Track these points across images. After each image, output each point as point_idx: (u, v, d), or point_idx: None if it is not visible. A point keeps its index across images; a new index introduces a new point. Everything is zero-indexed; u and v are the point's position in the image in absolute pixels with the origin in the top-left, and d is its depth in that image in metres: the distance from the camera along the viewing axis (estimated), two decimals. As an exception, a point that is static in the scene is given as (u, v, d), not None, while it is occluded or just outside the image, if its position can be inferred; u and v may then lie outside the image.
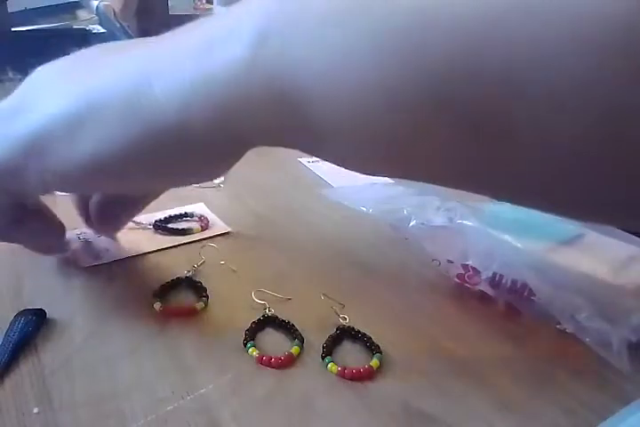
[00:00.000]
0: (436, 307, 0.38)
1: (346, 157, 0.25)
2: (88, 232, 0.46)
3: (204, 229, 0.47)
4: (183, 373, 0.32)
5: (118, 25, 2.36)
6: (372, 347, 0.33)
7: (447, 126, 0.20)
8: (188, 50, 0.25)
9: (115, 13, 2.33)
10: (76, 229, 0.47)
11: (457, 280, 0.40)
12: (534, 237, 0.37)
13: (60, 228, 0.39)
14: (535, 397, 0.31)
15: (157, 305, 0.37)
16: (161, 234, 0.46)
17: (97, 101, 0.26)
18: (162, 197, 0.53)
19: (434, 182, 0.24)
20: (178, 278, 0.40)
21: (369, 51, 0.20)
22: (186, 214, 0.49)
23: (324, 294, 0.38)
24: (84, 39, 1.03)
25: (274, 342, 0.34)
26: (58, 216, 0.40)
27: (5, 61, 0.86)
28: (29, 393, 0.30)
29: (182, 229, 0.46)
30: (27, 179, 0.29)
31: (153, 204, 0.51)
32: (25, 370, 0.32)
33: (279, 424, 0.29)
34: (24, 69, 0.90)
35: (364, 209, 0.47)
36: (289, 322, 0.35)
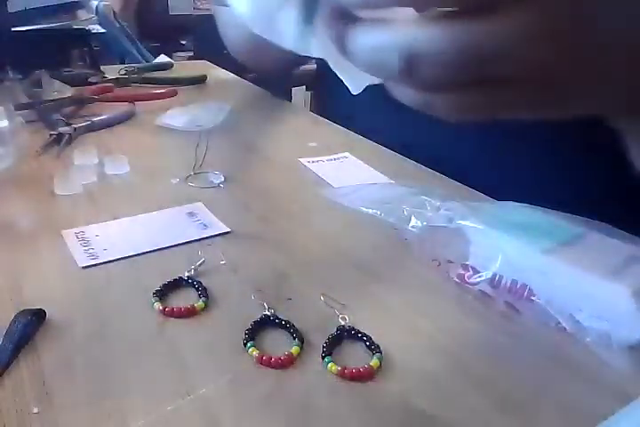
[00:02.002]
0: (436, 307, 0.38)
1: None
2: (87, 232, 0.46)
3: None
4: (183, 373, 0.32)
5: (118, 25, 2.37)
6: (371, 347, 0.33)
7: None
8: None
9: (114, 13, 2.33)
10: (75, 229, 0.47)
11: (457, 280, 0.40)
12: (534, 237, 0.37)
13: None
14: (535, 397, 0.31)
15: (157, 305, 0.37)
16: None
17: None
18: (160, 196, 0.53)
19: None
20: (178, 278, 0.40)
21: None
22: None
23: (323, 294, 0.38)
24: (83, 39, 1.03)
25: (274, 342, 0.34)
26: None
27: (5, 61, 0.86)
28: (29, 393, 0.30)
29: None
30: None
31: (151, 204, 0.51)
32: (25, 370, 0.32)
33: (279, 424, 0.29)
34: (24, 69, 0.90)
35: (364, 209, 0.47)
36: (289, 322, 0.35)
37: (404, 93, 0.26)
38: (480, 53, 0.23)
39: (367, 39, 0.25)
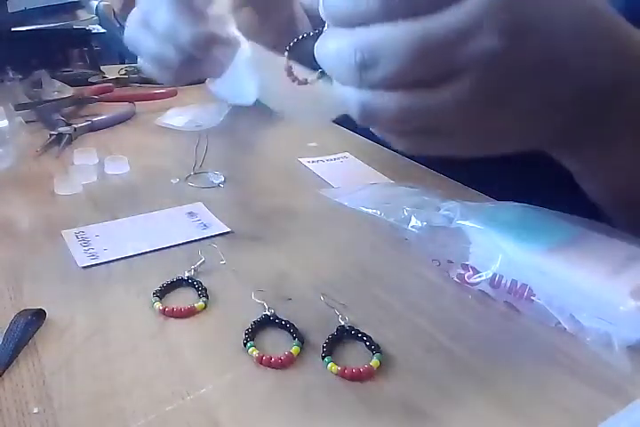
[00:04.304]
0: (436, 307, 0.38)
1: None
2: (87, 232, 0.46)
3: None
4: (183, 373, 0.32)
5: (118, 25, 2.36)
6: (371, 347, 0.33)
7: None
8: None
9: (114, 13, 2.33)
10: (75, 229, 0.47)
11: (457, 280, 0.40)
12: (534, 237, 0.37)
13: None
14: (535, 397, 0.31)
15: (157, 305, 0.37)
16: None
17: None
18: (160, 196, 0.53)
19: None
20: (178, 278, 0.40)
21: None
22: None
23: (323, 294, 0.38)
24: (83, 39, 1.03)
25: (274, 342, 0.34)
26: None
27: (5, 61, 0.86)
28: (29, 393, 0.30)
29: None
30: None
31: (151, 204, 0.51)
32: (25, 370, 0.32)
33: (279, 424, 0.29)
34: (24, 69, 0.90)
35: (364, 209, 0.47)
36: (289, 322, 0.35)
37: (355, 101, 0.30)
38: (423, 51, 0.27)
39: (332, 42, 0.29)
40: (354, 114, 0.31)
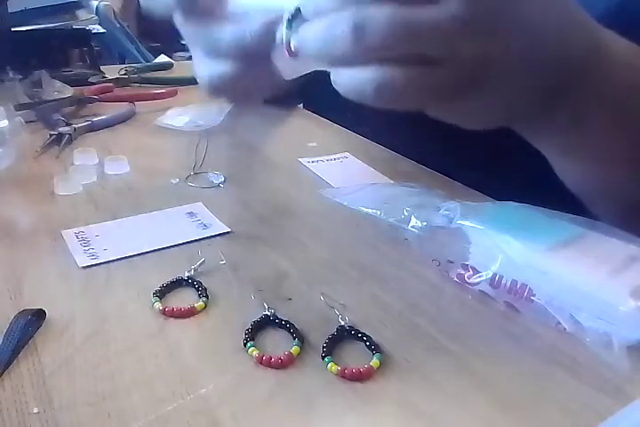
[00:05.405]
0: (436, 307, 0.38)
1: None
2: (87, 232, 0.46)
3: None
4: (183, 373, 0.32)
5: (118, 25, 2.37)
6: (371, 347, 0.33)
7: None
8: None
9: (114, 13, 2.33)
10: (75, 229, 0.47)
11: (457, 280, 0.40)
12: (534, 237, 0.37)
13: None
14: (535, 397, 0.31)
15: (157, 305, 0.37)
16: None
17: None
18: (160, 196, 0.54)
19: None
20: (178, 278, 0.40)
21: None
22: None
23: (323, 294, 0.38)
24: (83, 39, 1.03)
25: (274, 342, 0.34)
26: None
27: (5, 61, 0.86)
28: (29, 393, 0.30)
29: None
30: None
31: (151, 204, 0.51)
32: (25, 370, 0.32)
33: (279, 424, 0.29)
34: (24, 69, 0.90)
35: (364, 209, 0.47)
36: (289, 322, 0.35)
37: (345, 77, 0.31)
38: (418, 29, 0.29)
39: (318, 24, 0.30)
40: (371, 91, 0.30)
